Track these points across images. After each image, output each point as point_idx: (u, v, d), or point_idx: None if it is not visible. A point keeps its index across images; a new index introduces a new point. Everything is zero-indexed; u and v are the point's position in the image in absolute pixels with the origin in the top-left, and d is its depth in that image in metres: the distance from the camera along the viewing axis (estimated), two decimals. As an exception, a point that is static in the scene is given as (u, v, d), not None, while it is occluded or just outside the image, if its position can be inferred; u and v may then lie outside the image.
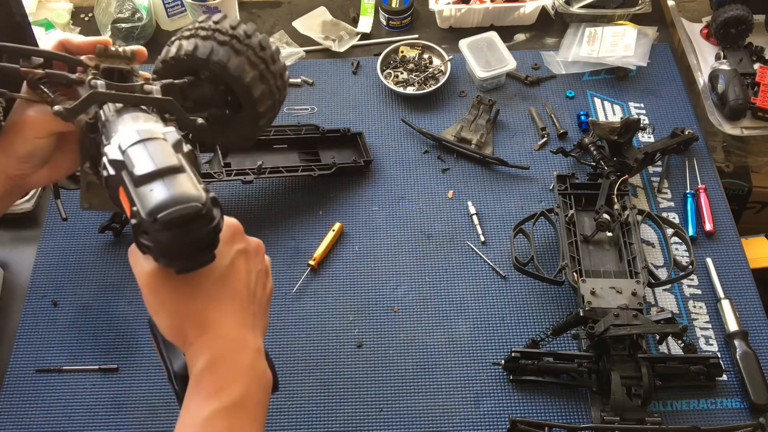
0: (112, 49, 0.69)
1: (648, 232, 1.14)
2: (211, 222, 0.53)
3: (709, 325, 1.04)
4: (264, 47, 0.79)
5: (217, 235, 0.54)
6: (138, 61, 0.71)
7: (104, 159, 0.56)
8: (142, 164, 0.53)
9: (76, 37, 0.72)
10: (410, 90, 1.31)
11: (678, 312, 1.05)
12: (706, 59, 1.34)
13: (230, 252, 0.59)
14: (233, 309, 0.57)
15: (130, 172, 0.53)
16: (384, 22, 1.44)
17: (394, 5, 1.41)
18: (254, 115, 0.80)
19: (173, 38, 0.79)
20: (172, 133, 0.58)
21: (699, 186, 1.18)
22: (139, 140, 0.55)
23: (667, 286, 1.07)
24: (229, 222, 0.60)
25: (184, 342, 0.56)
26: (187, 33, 0.77)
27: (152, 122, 0.62)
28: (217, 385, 0.54)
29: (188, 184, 0.52)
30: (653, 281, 1.00)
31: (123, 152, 0.55)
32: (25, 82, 0.69)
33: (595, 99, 1.32)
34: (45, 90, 0.68)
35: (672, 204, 1.18)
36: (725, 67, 1.28)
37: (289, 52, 1.38)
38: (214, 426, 0.52)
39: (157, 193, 0.51)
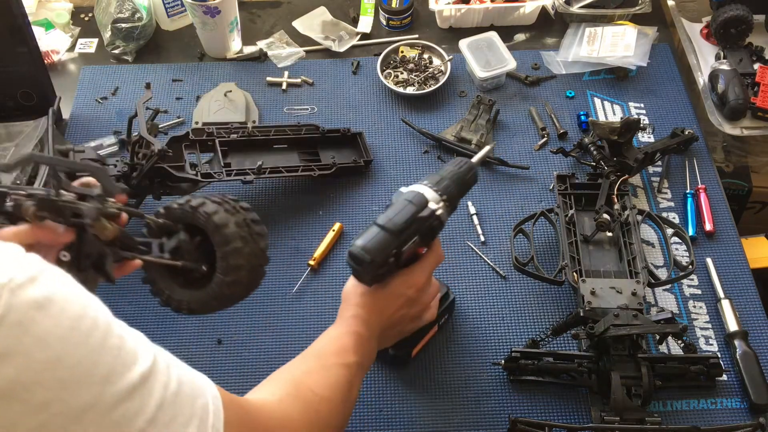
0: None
1: (648, 232, 1.14)
2: (370, 269, 0.77)
3: (709, 325, 1.04)
4: (260, 235, 0.82)
5: (377, 279, 0.81)
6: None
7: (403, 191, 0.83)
8: (385, 214, 0.79)
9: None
10: (410, 90, 1.31)
11: (678, 312, 1.05)
12: (706, 59, 1.34)
13: (422, 290, 0.83)
14: (385, 319, 0.81)
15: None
16: (384, 22, 1.44)
17: (394, 5, 1.41)
18: (222, 282, 0.80)
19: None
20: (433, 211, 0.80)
21: (699, 186, 1.18)
22: (407, 200, 0.80)
23: (667, 286, 1.07)
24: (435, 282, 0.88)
25: (350, 301, 0.81)
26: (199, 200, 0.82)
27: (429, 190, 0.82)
28: (357, 341, 0.78)
29: (382, 244, 0.77)
30: (653, 281, 1.00)
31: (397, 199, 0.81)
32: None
33: (595, 99, 1.32)
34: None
35: (672, 204, 1.18)
36: (725, 67, 1.28)
37: (289, 52, 1.38)
38: (349, 365, 0.76)
39: (363, 237, 0.77)
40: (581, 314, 0.93)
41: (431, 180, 0.83)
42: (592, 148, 1.18)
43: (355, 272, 0.81)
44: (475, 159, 0.89)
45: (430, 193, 0.81)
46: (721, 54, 1.33)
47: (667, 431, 0.88)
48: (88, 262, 0.73)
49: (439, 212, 0.81)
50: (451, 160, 0.87)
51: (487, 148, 0.91)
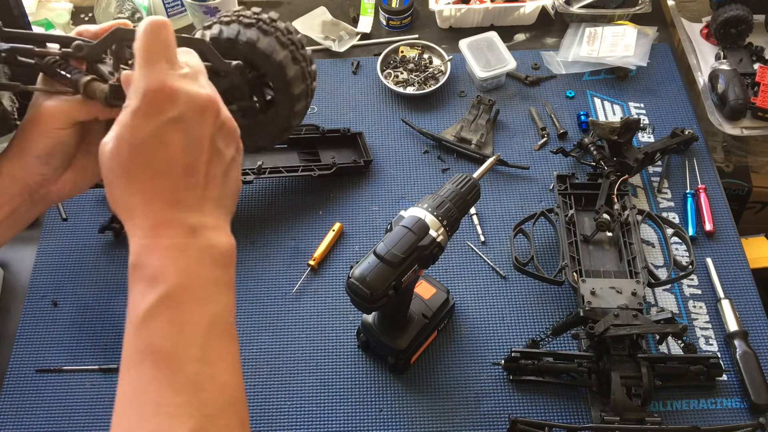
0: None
1: (648, 232, 1.14)
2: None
3: (709, 325, 1.04)
4: (291, 31, 0.75)
5: (376, 309, 0.83)
6: None
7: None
8: (384, 242, 0.79)
9: (92, 27, 0.65)
10: (410, 90, 1.31)
11: (678, 312, 1.05)
12: (706, 59, 1.34)
13: (151, 124, 0.49)
14: (159, 189, 0.51)
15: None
16: (384, 22, 1.44)
17: (394, 5, 1.41)
18: (289, 101, 0.74)
19: (195, 31, 0.75)
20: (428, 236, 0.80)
21: (699, 186, 1.18)
22: (407, 228, 0.80)
23: (667, 286, 1.07)
24: (153, 87, 0.49)
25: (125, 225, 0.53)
26: (208, 23, 0.73)
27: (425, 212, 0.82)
28: (148, 276, 0.50)
29: (381, 276, 0.77)
30: (653, 281, 1.00)
31: (395, 223, 0.81)
32: (40, 75, 0.64)
33: (595, 99, 1.32)
34: (63, 73, 0.62)
35: (672, 204, 1.18)
36: (725, 67, 1.28)
37: (289, 52, 1.38)
38: (152, 322, 0.49)
39: (362, 266, 0.79)
40: (581, 314, 0.93)
41: (432, 203, 0.83)
42: (592, 148, 1.18)
43: (354, 303, 0.80)
44: (476, 174, 0.88)
45: (430, 219, 0.81)
46: (721, 54, 1.33)
47: (667, 431, 0.89)
48: None
49: (440, 239, 0.81)
50: (453, 176, 0.87)
51: (489, 161, 0.91)
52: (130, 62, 0.59)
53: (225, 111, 0.53)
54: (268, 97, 0.75)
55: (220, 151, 0.53)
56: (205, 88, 0.52)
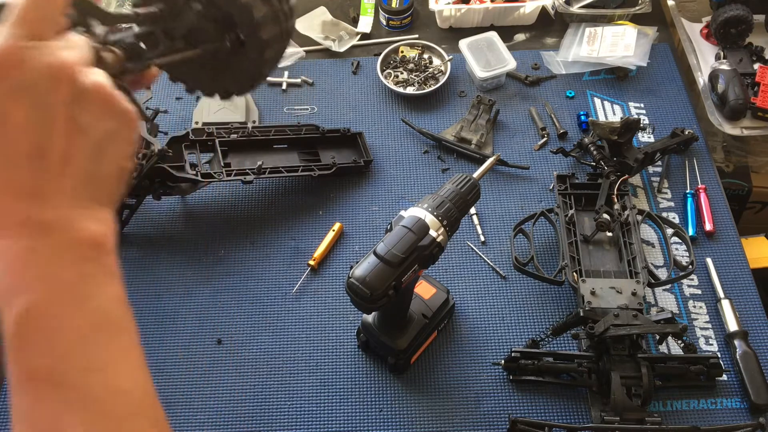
0: None
1: (648, 232, 1.14)
2: None
3: (709, 325, 1.04)
4: None
5: (376, 309, 0.83)
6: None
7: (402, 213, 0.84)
8: (384, 243, 0.79)
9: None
10: (410, 90, 1.31)
11: (678, 312, 1.05)
12: (706, 59, 1.34)
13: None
14: (1, 176, 0.42)
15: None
16: (384, 22, 1.44)
17: (394, 5, 1.41)
18: (258, 45, 0.66)
19: None
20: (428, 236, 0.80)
21: (699, 186, 1.18)
22: (407, 228, 0.80)
23: (667, 286, 1.07)
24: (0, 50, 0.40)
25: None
26: None
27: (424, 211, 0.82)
28: (3, 292, 0.43)
29: (381, 276, 0.78)
30: (653, 281, 1.00)
31: (396, 222, 0.82)
32: None
33: (595, 99, 1.32)
34: None
35: (672, 204, 1.18)
36: (725, 67, 1.28)
37: (289, 52, 1.38)
38: (23, 342, 0.42)
39: (362, 267, 0.79)
40: (581, 314, 0.93)
41: (432, 203, 0.83)
42: (592, 148, 1.18)
43: (354, 303, 0.81)
44: (476, 174, 0.89)
45: (430, 219, 0.81)
46: (721, 54, 1.33)
47: (667, 431, 0.89)
48: None
49: (440, 239, 0.81)
50: (452, 176, 0.87)
51: (489, 161, 0.91)
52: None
53: (92, 77, 0.43)
54: (242, 37, 0.66)
55: (86, 124, 0.43)
56: (64, 53, 0.42)
